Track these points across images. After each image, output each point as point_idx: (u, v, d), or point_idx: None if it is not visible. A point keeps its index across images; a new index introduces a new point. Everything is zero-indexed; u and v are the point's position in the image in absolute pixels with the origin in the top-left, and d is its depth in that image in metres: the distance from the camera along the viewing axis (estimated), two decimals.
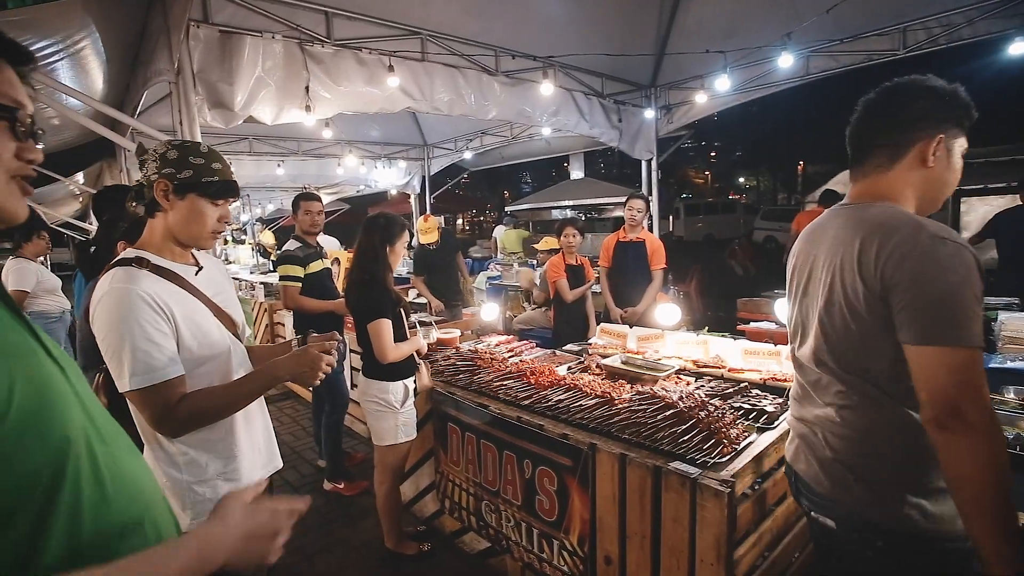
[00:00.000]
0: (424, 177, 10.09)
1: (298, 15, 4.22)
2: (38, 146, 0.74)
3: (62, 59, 4.13)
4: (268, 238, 8.53)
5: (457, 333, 3.30)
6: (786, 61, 4.94)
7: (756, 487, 1.95)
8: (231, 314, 1.53)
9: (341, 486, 3.56)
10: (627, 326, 3.32)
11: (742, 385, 2.45)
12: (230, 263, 10.13)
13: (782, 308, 2.93)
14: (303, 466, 4.01)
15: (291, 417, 5.01)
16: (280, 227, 14.66)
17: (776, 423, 2.10)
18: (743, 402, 2.27)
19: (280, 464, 1.74)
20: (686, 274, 8.63)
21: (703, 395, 2.18)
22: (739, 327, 3.45)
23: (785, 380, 2.44)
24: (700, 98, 6.06)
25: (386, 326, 2.45)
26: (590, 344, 3.33)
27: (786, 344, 2.62)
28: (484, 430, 2.54)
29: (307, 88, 4.21)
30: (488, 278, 7.22)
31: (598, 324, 3.81)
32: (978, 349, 1.08)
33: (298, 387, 5.57)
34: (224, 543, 0.77)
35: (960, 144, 1.27)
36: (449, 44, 4.99)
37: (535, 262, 7.70)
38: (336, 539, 3.07)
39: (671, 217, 21.58)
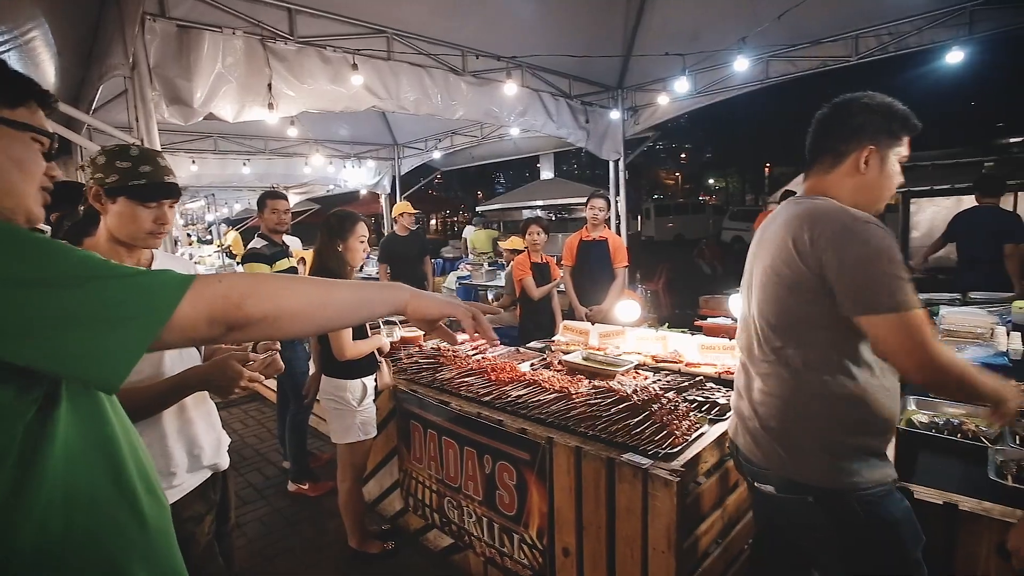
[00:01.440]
0: (395, 177, 10.02)
1: (259, 11, 4.16)
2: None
3: (9, 50, 4.00)
4: (234, 241, 8.36)
5: (422, 332, 3.30)
6: (741, 65, 5.08)
7: (706, 477, 2.01)
8: None
9: (306, 487, 3.53)
10: (590, 323, 3.37)
11: (697, 379, 2.52)
12: (196, 264, 9.89)
13: (736, 304, 3.03)
14: (267, 468, 3.95)
15: (256, 420, 4.94)
16: (247, 227, 14.38)
17: (727, 415, 2.16)
18: (697, 395, 2.34)
19: (226, 463, 1.71)
20: (655, 273, 8.80)
21: (657, 388, 2.24)
22: (696, 322, 3.54)
23: None
24: (662, 100, 6.19)
25: None
26: (553, 341, 3.37)
27: None
28: (446, 427, 2.56)
29: (269, 85, 4.15)
30: (458, 278, 7.22)
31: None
32: (911, 310, 1.21)
33: (263, 388, 5.49)
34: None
35: (897, 152, 1.42)
36: (415, 43, 4.99)
37: (503, 262, 7.73)
38: (300, 540, 3.05)
39: (640, 217, 21.94)
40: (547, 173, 11.45)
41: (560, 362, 2.85)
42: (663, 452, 1.87)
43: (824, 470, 1.36)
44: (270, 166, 8.98)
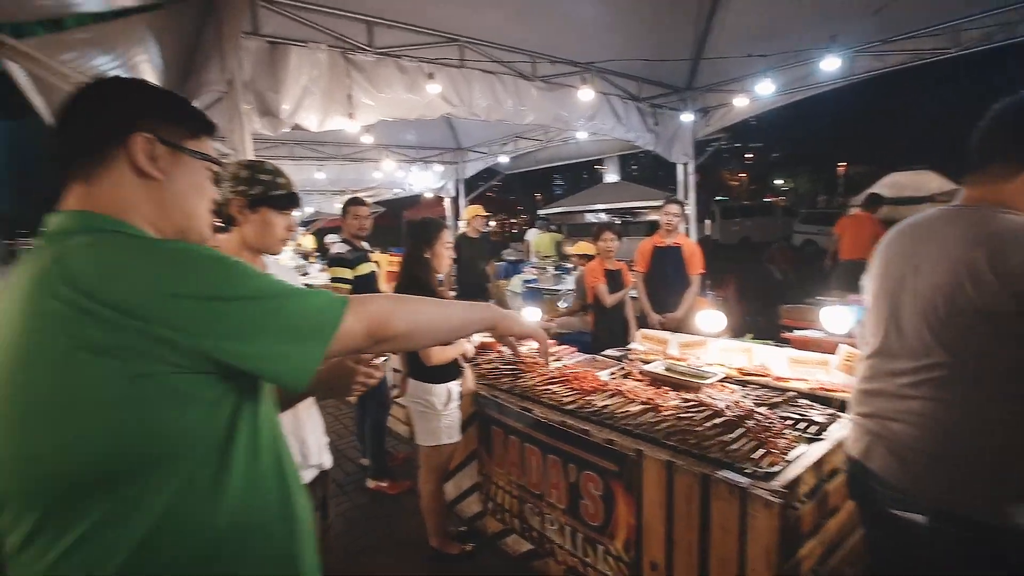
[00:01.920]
0: (459, 180, 10.20)
1: (341, 25, 4.34)
2: None
3: (118, 69, 4.35)
4: (309, 242, 8.75)
5: None
6: (831, 64, 4.81)
7: (806, 499, 1.92)
8: None
9: (385, 484, 3.64)
10: (668, 332, 3.30)
11: (789, 394, 2.41)
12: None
13: (831, 317, 2.88)
14: (347, 464, 4.11)
15: (334, 416, 5.14)
16: (317, 229, 15.04)
17: (826, 434, 2.07)
18: (791, 412, 2.24)
19: (329, 463, 1.81)
20: (723, 278, 8.50)
21: (750, 403, 2.17)
22: (784, 335, 3.38)
23: (834, 390, 2.40)
24: (739, 101, 5.94)
25: None
26: (630, 350, 3.33)
27: (833, 354, 2.59)
28: (528, 433, 2.57)
29: (350, 96, 4.32)
30: (524, 281, 7.25)
31: (637, 330, 3.80)
32: None
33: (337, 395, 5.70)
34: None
35: None
36: (487, 51, 5.06)
37: (569, 266, 7.70)
38: (381, 537, 3.14)
39: (706, 220, 21.26)
40: (612, 176, 11.30)
41: (641, 372, 2.81)
42: (762, 471, 1.81)
43: (995, 504, 1.22)
44: (342, 171, 9.35)
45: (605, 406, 2.36)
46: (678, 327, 4.29)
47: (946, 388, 1.29)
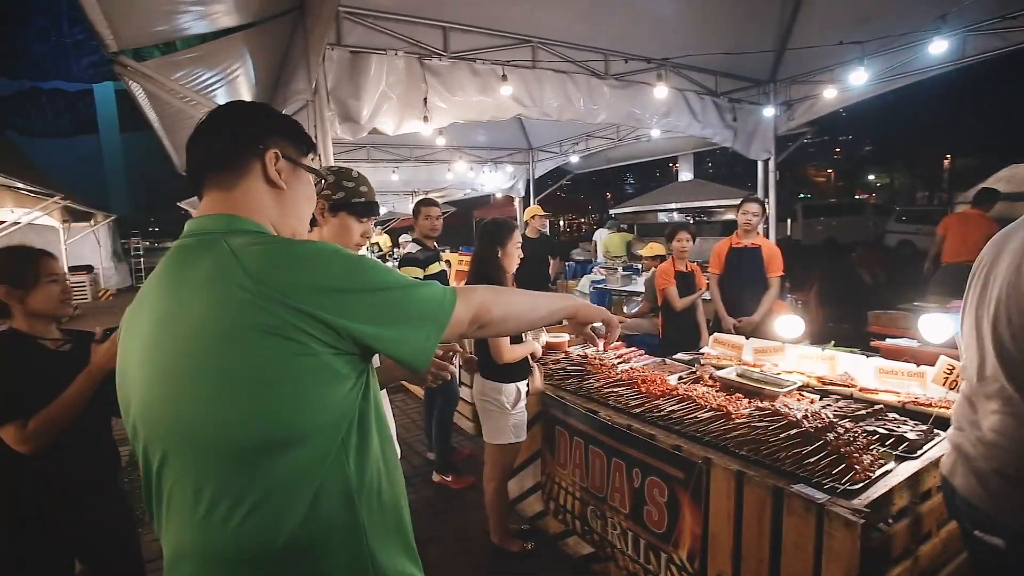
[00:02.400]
0: (528, 180, 10.25)
1: (418, 32, 4.48)
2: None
3: (219, 86, 4.73)
4: (384, 239, 9.11)
5: (566, 337, 3.34)
6: (939, 47, 4.36)
7: (894, 520, 1.79)
8: None
9: (449, 479, 3.73)
10: (743, 337, 3.17)
11: (876, 407, 2.25)
12: None
13: (929, 324, 2.64)
14: (413, 457, 4.25)
15: (401, 410, 5.33)
16: (392, 228, 15.62)
17: (921, 452, 1.91)
18: (877, 426, 2.09)
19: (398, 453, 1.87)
20: (804, 281, 8.01)
21: (830, 415, 2.04)
22: (873, 343, 3.13)
23: (930, 405, 2.21)
24: (829, 93, 5.53)
25: None
26: (702, 354, 3.22)
27: (931, 365, 2.39)
28: (593, 436, 2.56)
29: (425, 100, 4.46)
30: (592, 282, 7.18)
31: (710, 334, 3.67)
32: None
33: (409, 383, 5.91)
34: None
35: None
36: (559, 50, 5.05)
37: (639, 267, 7.54)
38: (445, 529, 3.23)
39: (788, 219, 20.08)
40: (686, 174, 10.93)
41: (712, 377, 2.71)
42: (841, 488, 1.70)
43: None
44: (415, 173, 9.66)
45: (673, 411, 2.30)
46: (754, 332, 4.10)
47: (1014, 406, 1.20)
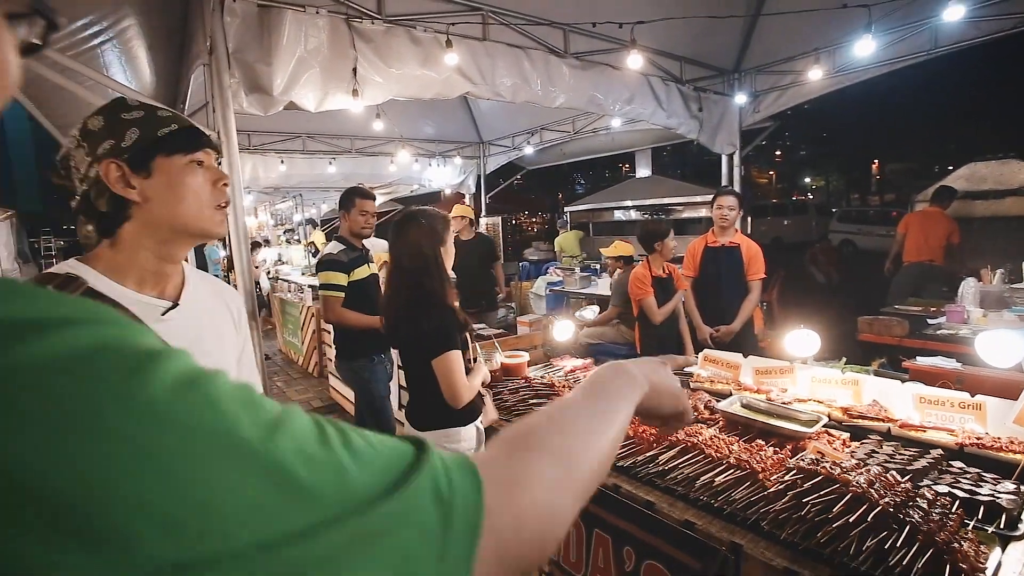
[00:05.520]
0: (480, 176, 9.60)
1: None
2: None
3: (107, 42, 3.84)
4: (318, 237, 8.25)
5: (525, 357, 2.70)
6: (955, 13, 3.87)
7: None
8: None
9: None
10: (739, 354, 2.62)
11: (934, 454, 1.72)
12: (283, 263, 9.95)
13: (991, 343, 2.12)
14: None
15: None
16: (334, 227, 14.56)
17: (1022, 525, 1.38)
18: (948, 484, 1.56)
19: None
20: (766, 282, 7.72)
21: (896, 475, 1.49)
22: (905, 363, 2.63)
23: (1000, 450, 1.70)
24: (814, 74, 4.96)
25: (457, 359, 1.85)
26: (690, 376, 2.65)
27: (988, 394, 1.89)
28: None
29: (355, 70, 3.73)
30: (548, 284, 6.59)
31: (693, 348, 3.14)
32: None
33: (343, 401, 5.15)
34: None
35: None
36: (514, 22, 4.42)
37: (598, 266, 7.05)
38: None
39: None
40: (644, 171, 10.52)
41: (710, 408, 2.15)
42: None
43: None
44: (356, 165, 8.82)
45: (676, 467, 1.70)
46: (732, 342, 3.62)
47: None
